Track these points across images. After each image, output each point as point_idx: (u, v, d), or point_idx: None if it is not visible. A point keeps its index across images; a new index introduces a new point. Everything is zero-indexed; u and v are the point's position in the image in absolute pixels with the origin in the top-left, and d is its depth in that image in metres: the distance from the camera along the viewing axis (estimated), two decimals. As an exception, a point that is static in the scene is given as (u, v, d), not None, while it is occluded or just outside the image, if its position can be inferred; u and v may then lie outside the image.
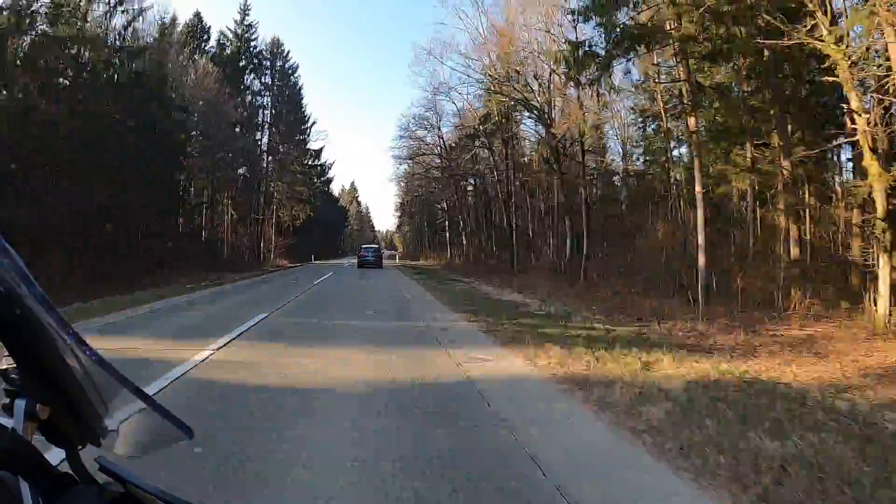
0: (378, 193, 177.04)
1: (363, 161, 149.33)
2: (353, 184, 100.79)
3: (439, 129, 32.82)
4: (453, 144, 32.13)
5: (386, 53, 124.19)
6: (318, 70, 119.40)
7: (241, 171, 34.69)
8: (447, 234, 38.48)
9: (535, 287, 14.20)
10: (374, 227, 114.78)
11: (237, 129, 31.91)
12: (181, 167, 25.52)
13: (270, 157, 37.94)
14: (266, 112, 37.93)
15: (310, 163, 42.38)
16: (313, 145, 43.10)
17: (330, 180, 45.20)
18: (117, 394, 0.58)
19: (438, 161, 34.94)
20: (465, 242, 32.44)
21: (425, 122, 33.31)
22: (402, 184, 52.96)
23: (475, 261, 28.03)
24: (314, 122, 42.39)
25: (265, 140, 36.95)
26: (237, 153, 29.97)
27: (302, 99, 41.55)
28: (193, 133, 26.51)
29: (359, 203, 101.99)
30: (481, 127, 21.09)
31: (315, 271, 22.87)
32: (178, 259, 24.78)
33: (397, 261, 45.16)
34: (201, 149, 26.68)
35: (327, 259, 46.41)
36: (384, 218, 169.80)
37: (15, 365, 0.55)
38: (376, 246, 36.66)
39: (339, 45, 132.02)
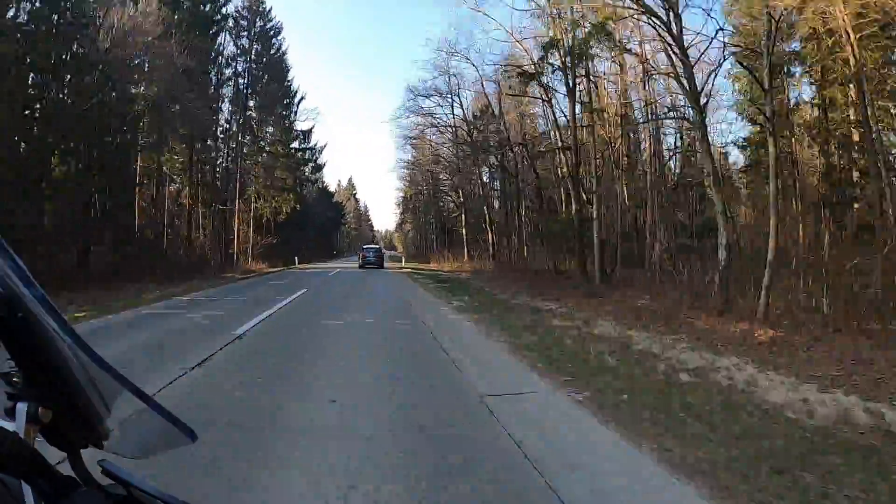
0: (377, 194, 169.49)
1: (361, 154, 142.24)
2: (350, 180, 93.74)
3: (458, 96, 25.76)
4: (478, 113, 25.04)
5: (389, 38, 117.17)
6: (315, 66, 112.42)
7: (212, 151, 27.60)
8: (463, 232, 31.24)
9: (704, 329, 7.06)
10: (373, 227, 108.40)
11: (203, 94, 24.82)
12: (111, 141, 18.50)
13: (248, 137, 30.74)
14: (242, 81, 30.68)
15: (296, 146, 35.23)
16: (301, 125, 35.90)
17: (321, 167, 37.94)
18: (119, 396, 0.57)
19: (453, 136, 27.90)
20: (492, 240, 25.19)
21: (437, 91, 26.25)
22: (406, 173, 46.05)
23: (511, 265, 20.96)
24: (302, 98, 35.25)
25: (237, 112, 29.66)
26: (196, 121, 22.81)
27: (288, 71, 34.32)
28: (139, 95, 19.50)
29: (357, 200, 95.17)
30: (538, 64, 13.90)
31: (289, 284, 15.74)
32: (104, 265, 17.80)
33: (404, 263, 35.27)
34: (143, 113, 19.57)
35: (318, 261, 39.09)
36: (383, 218, 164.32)
37: (16, 368, 0.54)
38: (378, 246, 35.47)
39: (334, 28, 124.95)
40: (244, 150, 29.73)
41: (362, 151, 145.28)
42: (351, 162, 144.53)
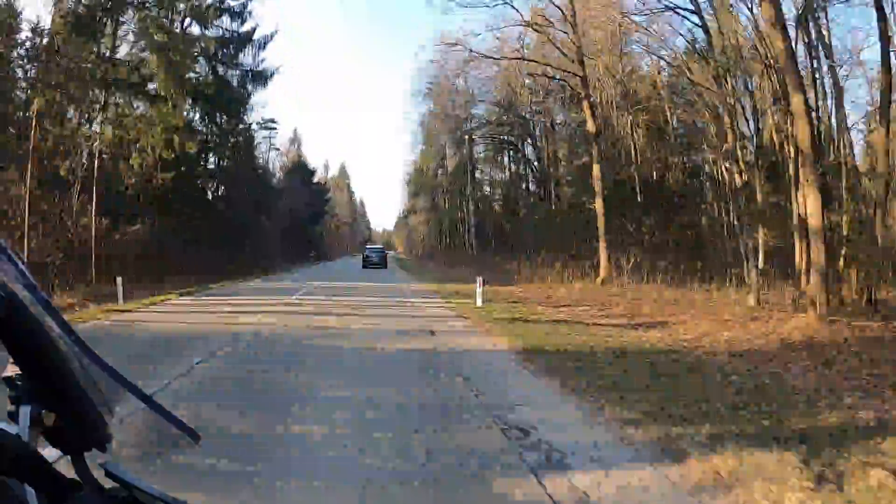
0: (376, 196, 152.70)
1: (358, 140, 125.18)
2: (343, 167, 75.24)
3: None
4: None
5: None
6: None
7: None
8: (596, 206, 13.03)
9: None
10: (370, 225, 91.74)
11: None
12: None
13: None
14: None
15: (216, 34, 17.17)
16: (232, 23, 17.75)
17: (264, 77, 19.34)
18: (122, 398, 0.58)
19: None
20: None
21: None
22: (424, 124, 28.27)
23: None
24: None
25: None
26: None
27: None
28: None
29: (351, 192, 76.97)
30: None
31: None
32: None
33: (440, 287, 12.54)
34: None
35: (273, 274, 20.73)
36: (381, 219, 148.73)
37: (20, 371, 0.54)
38: (380, 246, 34.42)
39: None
40: None
41: (359, 137, 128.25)
42: (349, 161, 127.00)
